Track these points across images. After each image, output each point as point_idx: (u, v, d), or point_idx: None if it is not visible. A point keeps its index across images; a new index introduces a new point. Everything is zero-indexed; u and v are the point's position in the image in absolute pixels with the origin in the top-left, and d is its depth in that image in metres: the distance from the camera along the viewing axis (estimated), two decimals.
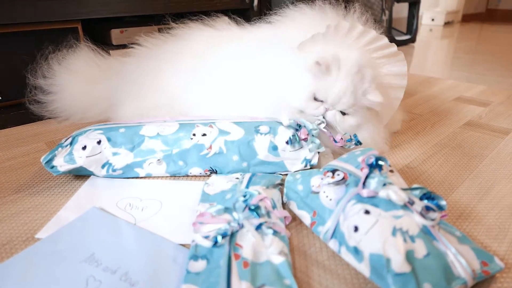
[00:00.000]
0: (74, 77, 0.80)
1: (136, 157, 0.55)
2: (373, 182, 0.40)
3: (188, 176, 0.58)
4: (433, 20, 3.11)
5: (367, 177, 0.42)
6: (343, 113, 0.60)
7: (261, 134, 0.55)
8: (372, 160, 0.42)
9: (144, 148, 0.55)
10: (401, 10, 2.43)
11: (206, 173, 0.57)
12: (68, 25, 0.88)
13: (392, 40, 1.91)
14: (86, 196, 0.53)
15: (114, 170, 0.55)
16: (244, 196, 0.44)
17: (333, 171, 0.46)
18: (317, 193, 0.45)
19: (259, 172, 0.56)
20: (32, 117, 0.83)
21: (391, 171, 0.45)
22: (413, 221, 0.38)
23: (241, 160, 0.55)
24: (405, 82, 0.66)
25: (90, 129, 0.57)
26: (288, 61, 0.62)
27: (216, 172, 0.57)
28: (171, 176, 0.57)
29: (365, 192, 0.40)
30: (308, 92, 0.59)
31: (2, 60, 0.80)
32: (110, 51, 0.94)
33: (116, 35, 0.96)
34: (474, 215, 0.49)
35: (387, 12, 1.84)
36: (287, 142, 0.55)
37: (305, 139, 0.57)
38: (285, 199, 0.49)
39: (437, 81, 1.20)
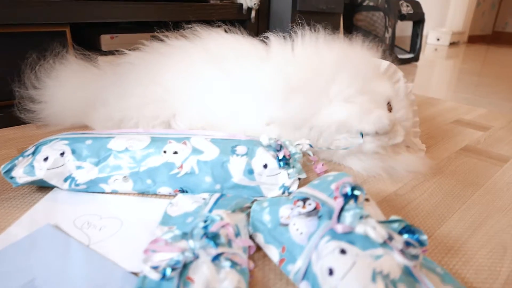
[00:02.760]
0: (63, 87, 0.78)
1: (101, 172, 0.51)
2: (348, 216, 0.36)
3: (157, 194, 0.54)
4: (438, 39, 3.09)
5: (342, 208, 0.38)
6: None
7: (237, 155, 0.51)
8: (347, 189, 0.38)
9: (110, 164, 0.51)
10: (405, 29, 2.41)
11: (176, 194, 0.53)
12: (56, 29, 0.85)
13: (395, 58, 1.89)
14: (44, 211, 0.49)
15: (77, 185, 0.51)
16: (205, 221, 0.40)
17: (304, 199, 0.42)
18: (286, 225, 0.41)
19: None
20: (8, 122, 0.81)
21: (367, 199, 0.41)
22: (394, 261, 0.34)
23: (214, 182, 0.51)
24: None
25: (57, 138, 0.53)
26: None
27: (187, 193, 0.53)
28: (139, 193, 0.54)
29: (340, 228, 0.36)
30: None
31: None
32: (99, 57, 0.91)
33: (106, 41, 0.94)
34: (463, 252, 0.45)
35: (390, 29, 1.81)
36: (280, 165, 0.51)
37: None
38: (250, 230, 0.44)
39: (437, 102, 1.17)
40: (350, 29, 1.96)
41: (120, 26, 1.08)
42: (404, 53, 2.08)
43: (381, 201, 0.55)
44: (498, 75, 1.85)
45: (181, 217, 0.45)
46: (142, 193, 0.54)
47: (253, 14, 1.14)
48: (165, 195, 0.54)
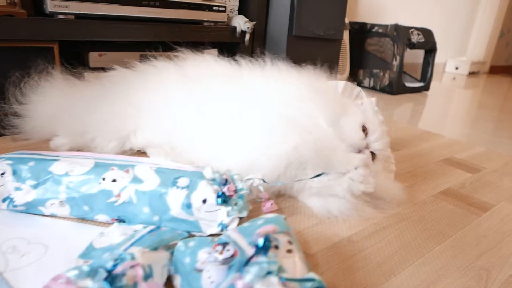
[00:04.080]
0: (46, 102, 0.79)
1: (38, 195, 0.50)
2: (252, 271, 0.34)
3: (95, 221, 0.53)
4: (457, 68, 3.00)
5: (251, 258, 0.35)
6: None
7: (177, 187, 0.50)
8: (260, 241, 0.35)
9: (48, 187, 0.50)
10: (419, 56, 2.36)
11: (113, 222, 0.51)
12: (44, 45, 0.88)
13: (402, 86, 1.84)
14: None
15: (15, 206, 0.51)
16: (116, 259, 0.38)
17: (225, 244, 0.39)
18: (201, 271, 0.38)
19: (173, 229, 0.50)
20: None
21: (289, 250, 0.38)
22: None
23: (152, 214, 0.50)
24: None
25: (3, 157, 0.53)
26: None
27: (124, 222, 0.51)
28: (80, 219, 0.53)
29: (239, 284, 0.33)
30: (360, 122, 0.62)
31: None
32: (85, 73, 0.93)
33: (94, 58, 0.96)
34: None
35: (398, 57, 1.78)
36: (217, 202, 0.49)
37: (231, 196, 0.51)
38: (172, 271, 0.42)
39: (432, 137, 1.11)
40: (360, 54, 1.94)
41: (107, 43, 1.09)
42: (414, 82, 2.03)
43: (329, 247, 0.52)
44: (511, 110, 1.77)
45: (104, 250, 0.44)
46: (82, 219, 0.53)
47: (247, 37, 1.14)
48: (104, 223, 0.52)
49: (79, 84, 0.85)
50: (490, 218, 0.64)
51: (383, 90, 1.88)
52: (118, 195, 0.50)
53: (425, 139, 1.09)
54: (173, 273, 0.42)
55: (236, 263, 0.36)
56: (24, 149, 0.76)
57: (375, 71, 1.89)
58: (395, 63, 1.80)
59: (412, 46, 1.82)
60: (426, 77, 1.99)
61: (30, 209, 0.52)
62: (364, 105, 0.68)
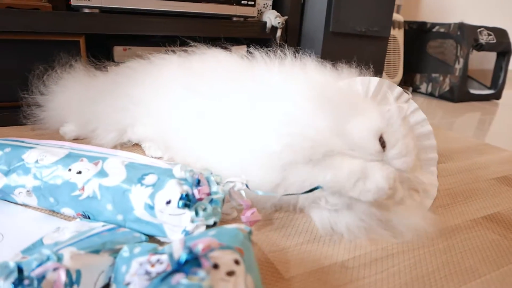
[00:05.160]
0: (65, 92, 0.81)
1: (8, 182, 0.49)
2: None
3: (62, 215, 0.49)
4: None
5: (169, 275, 0.28)
6: None
7: (142, 185, 0.44)
8: (182, 255, 0.28)
9: (18, 175, 0.48)
10: (491, 61, 2.07)
11: (79, 217, 0.48)
12: (70, 38, 0.89)
13: (465, 93, 1.62)
14: None
15: None
16: (43, 260, 0.34)
17: (161, 255, 0.33)
18: (128, 285, 0.32)
19: (137, 231, 0.45)
20: (10, 121, 0.85)
21: (230, 273, 0.30)
22: None
23: (115, 212, 0.45)
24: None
25: None
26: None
27: (89, 219, 0.47)
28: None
29: None
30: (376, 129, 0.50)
31: None
32: (109, 67, 0.93)
33: (118, 52, 0.96)
34: None
35: (461, 60, 1.56)
36: (178, 205, 0.43)
37: (200, 199, 0.44)
38: (112, 279, 0.36)
39: (489, 150, 0.93)
40: (417, 57, 1.76)
41: (139, 39, 1.09)
42: (483, 89, 1.77)
43: (313, 271, 0.42)
44: None
45: (50, 247, 0.40)
46: (52, 211, 0.50)
47: (278, 33, 1.07)
48: (72, 218, 0.49)
49: (98, 75, 0.86)
50: None
51: (442, 96, 1.67)
52: (82, 189, 0.46)
53: (480, 152, 0.91)
54: (111, 282, 0.36)
55: (157, 282, 0.29)
56: (40, 138, 0.77)
57: (434, 75, 1.69)
58: (458, 66, 1.58)
59: (480, 47, 1.59)
60: (497, 84, 1.72)
61: (4, 196, 0.50)
62: (390, 112, 0.54)
